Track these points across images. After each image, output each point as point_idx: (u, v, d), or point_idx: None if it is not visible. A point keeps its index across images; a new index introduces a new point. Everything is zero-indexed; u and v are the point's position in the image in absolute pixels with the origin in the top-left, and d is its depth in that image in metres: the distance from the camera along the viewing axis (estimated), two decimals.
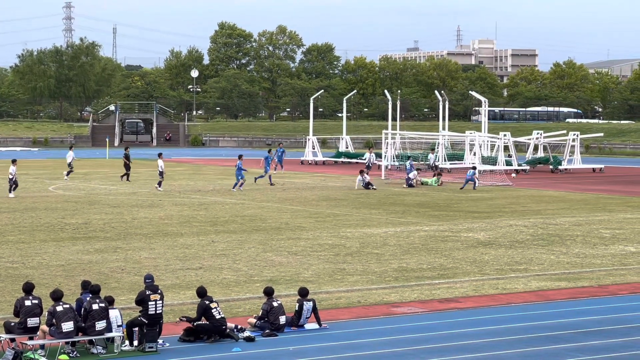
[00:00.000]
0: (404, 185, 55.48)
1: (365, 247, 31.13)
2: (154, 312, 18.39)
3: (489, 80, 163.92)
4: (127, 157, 58.44)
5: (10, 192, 46.56)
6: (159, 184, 51.34)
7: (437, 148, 71.80)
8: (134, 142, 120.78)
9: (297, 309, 20.08)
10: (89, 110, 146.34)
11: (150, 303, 18.44)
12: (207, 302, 19.02)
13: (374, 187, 52.85)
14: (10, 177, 46.42)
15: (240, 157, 52.72)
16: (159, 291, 18.76)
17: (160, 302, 18.59)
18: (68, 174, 58.23)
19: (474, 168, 57.03)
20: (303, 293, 20.43)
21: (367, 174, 54.73)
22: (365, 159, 70.01)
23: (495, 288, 24.52)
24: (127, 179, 56.83)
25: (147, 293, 18.60)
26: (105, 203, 44.15)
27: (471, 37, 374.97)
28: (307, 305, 20.15)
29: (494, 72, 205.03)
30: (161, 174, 51.26)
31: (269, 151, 59.43)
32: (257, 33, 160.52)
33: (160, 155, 53.88)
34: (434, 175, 58.53)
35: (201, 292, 19.36)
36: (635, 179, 65.99)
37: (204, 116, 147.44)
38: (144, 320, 18.31)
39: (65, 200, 45.21)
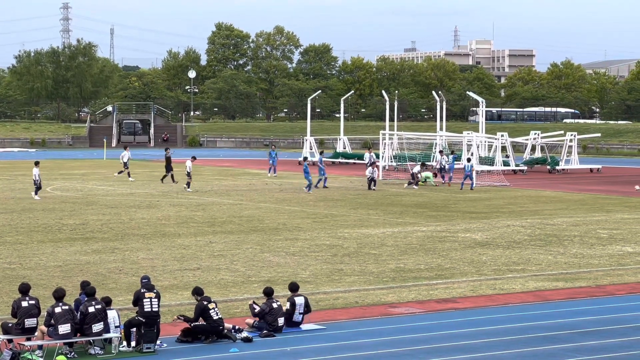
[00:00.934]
0: (405, 185, 55.49)
1: (363, 247, 31.13)
2: (149, 310, 18.38)
3: (487, 80, 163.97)
4: (168, 158, 57.64)
5: (35, 194, 46.18)
6: (188, 184, 51.33)
7: (435, 148, 71.58)
8: (131, 142, 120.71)
9: (288, 307, 20.03)
10: (86, 111, 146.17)
11: (145, 300, 18.44)
12: (205, 303, 19.01)
13: (374, 187, 52.96)
14: (35, 179, 46.06)
15: (305, 159, 55.14)
16: (155, 290, 18.77)
17: (156, 300, 18.58)
18: (129, 174, 58.53)
19: (469, 160, 57.15)
20: (294, 288, 20.49)
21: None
22: (365, 160, 70.05)
23: (492, 288, 24.53)
24: (173, 180, 55.86)
25: (142, 291, 18.63)
26: (102, 204, 44.14)
27: (468, 37, 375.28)
28: (299, 300, 20.15)
29: (492, 73, 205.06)
30: (189, 174, 51.27)
31: (321, 152, 60.20)
32: (255, 34, 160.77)
33: (193, 158, 53.28)
34: (435, 175, 58.69)
35: (198, 293, 19.35)
36: (632, 179, 65.93)
37: (201, 117, 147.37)
38: (141, 319, 18.30)
39: (63, 201, 45.18)
